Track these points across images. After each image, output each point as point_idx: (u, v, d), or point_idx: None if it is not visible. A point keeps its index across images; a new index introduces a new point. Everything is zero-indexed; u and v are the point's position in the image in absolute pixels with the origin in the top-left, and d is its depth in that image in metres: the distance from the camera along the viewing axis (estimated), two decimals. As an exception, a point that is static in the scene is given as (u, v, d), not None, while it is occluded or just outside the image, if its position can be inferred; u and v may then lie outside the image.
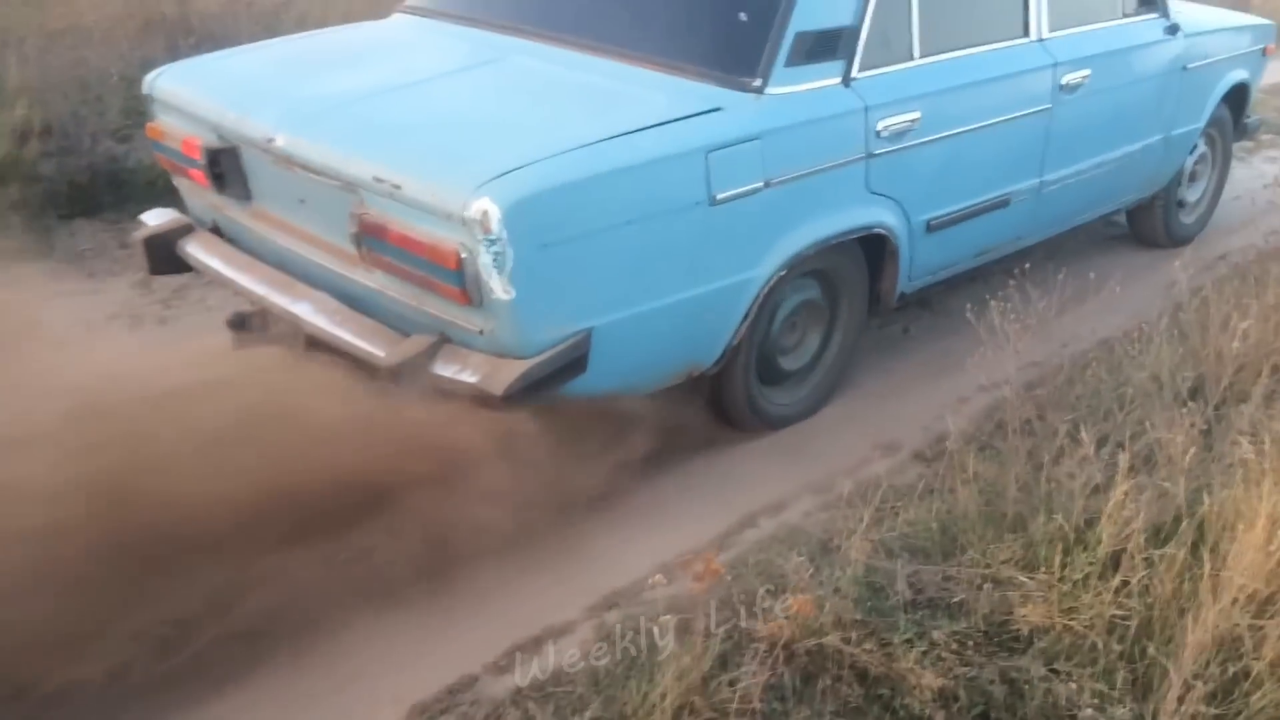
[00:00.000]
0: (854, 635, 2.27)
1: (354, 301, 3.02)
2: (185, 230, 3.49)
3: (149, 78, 3.47)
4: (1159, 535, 2.46)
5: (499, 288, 2.59)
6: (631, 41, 3.20)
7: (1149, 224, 5.04)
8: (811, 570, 2.45)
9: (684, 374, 3.13)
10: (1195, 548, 2.37)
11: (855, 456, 3.14)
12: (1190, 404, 2.83)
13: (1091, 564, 2.36)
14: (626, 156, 2.74)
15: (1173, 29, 4.45)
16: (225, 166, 3.20)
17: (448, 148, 2.79)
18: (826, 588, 2.36)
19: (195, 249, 3.41)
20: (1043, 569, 2.35)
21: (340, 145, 2.86)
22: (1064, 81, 3.88)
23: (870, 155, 3.27)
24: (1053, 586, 2.34)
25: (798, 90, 3.09)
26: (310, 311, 3.03)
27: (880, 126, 3.27)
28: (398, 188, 2.69)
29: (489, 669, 2.37)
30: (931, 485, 2.77)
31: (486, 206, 2.53)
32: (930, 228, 3.59)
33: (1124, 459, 2.42)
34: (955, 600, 2.42)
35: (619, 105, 2.94)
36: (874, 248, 3.49)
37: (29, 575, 2.26)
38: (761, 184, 2.99)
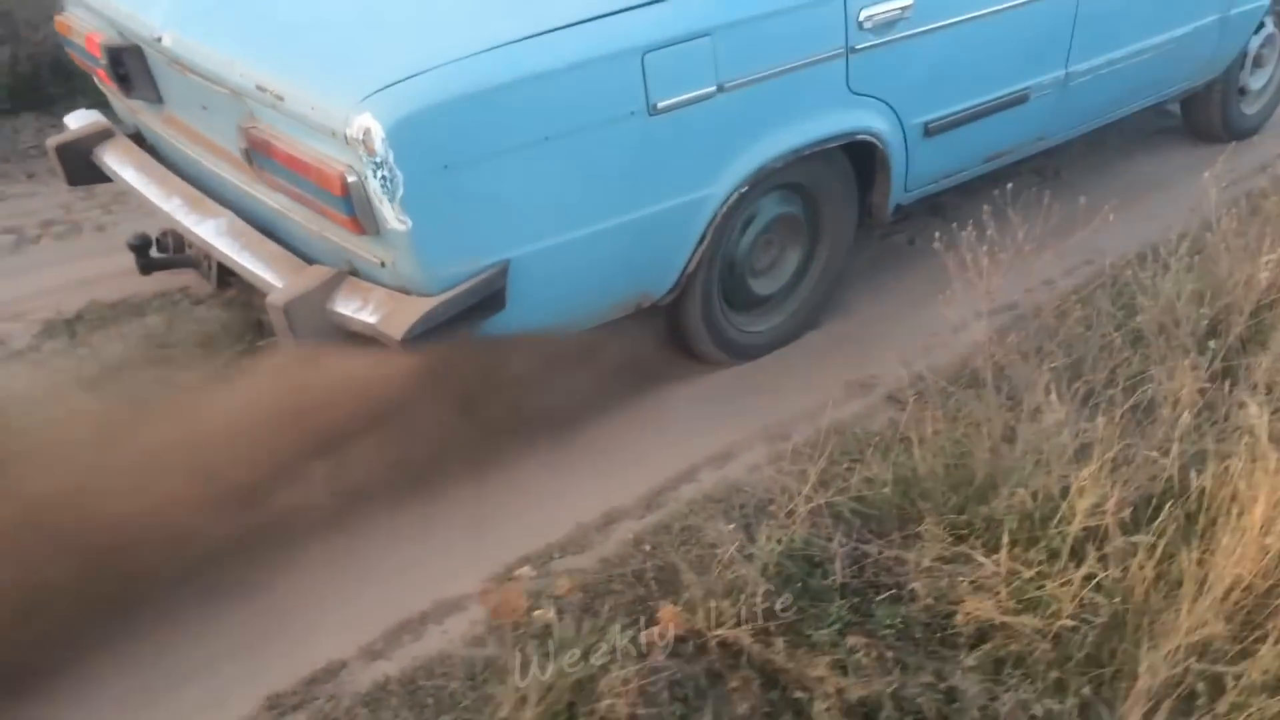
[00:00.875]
0: (772, 626, 1.97)
1: (263, 224, 2.71)
2: (104, 136, 3.19)
3: (52, -35, 3.14)
4: (1146, 512, 2.11)
5: (391, 216, 2.26)
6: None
7: (1204, 115, 4.49)
8: (739, 542, 2.14)
9: (632, 305, 2.80)
10: (1185, 531, 2.02)
11: (823, 396, 2.79)
12: (1199, 351, 2.42)
13: (1056, 548, 2.02)
14: (543, 60, 2.36)
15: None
16: (130, 66, 2.88)
17: (336, 52, 2.43)
18: (757, 562, 2.04)
19: (110, 157, 3.12)
20: (1004, 550, 2.01)
21: (225, 48, 2.52)
22: (1097, -47, 3.37)
23: (851, 50, 2.84)
24: (1011, 574, 2.00)
25: (761, -25, 2.66)
26: (214, 233, 2.74)
27: (863, 16, 2.82)
28: (280, 99, 2.35)
29: (361, 653, 2.12)
30: (903, 434, 2.42)
31: (368, 123, 2.18)
32: (929, 131, 3.16)
33: (1101, 423, 2.05)
34: (900, 584, 2.10)
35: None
36: (862, 155, 3.08)
37: None
38: (714, 88, 2.59)
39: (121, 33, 2.84)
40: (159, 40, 2.64)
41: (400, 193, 2.23)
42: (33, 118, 4.19)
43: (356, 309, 2.43)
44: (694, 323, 2.96)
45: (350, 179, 2.25)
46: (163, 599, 2.21)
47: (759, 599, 1.96)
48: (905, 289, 3.24)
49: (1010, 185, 2.74)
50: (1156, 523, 2.02)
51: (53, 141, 3.17)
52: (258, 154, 2.48)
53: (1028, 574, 2.02)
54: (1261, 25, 4.33)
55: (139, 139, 3.21)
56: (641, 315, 2.78)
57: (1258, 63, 4.49)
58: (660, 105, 2.51)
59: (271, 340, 2.74)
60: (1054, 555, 2.02)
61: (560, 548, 2.37)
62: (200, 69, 2.56)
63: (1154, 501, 2.12)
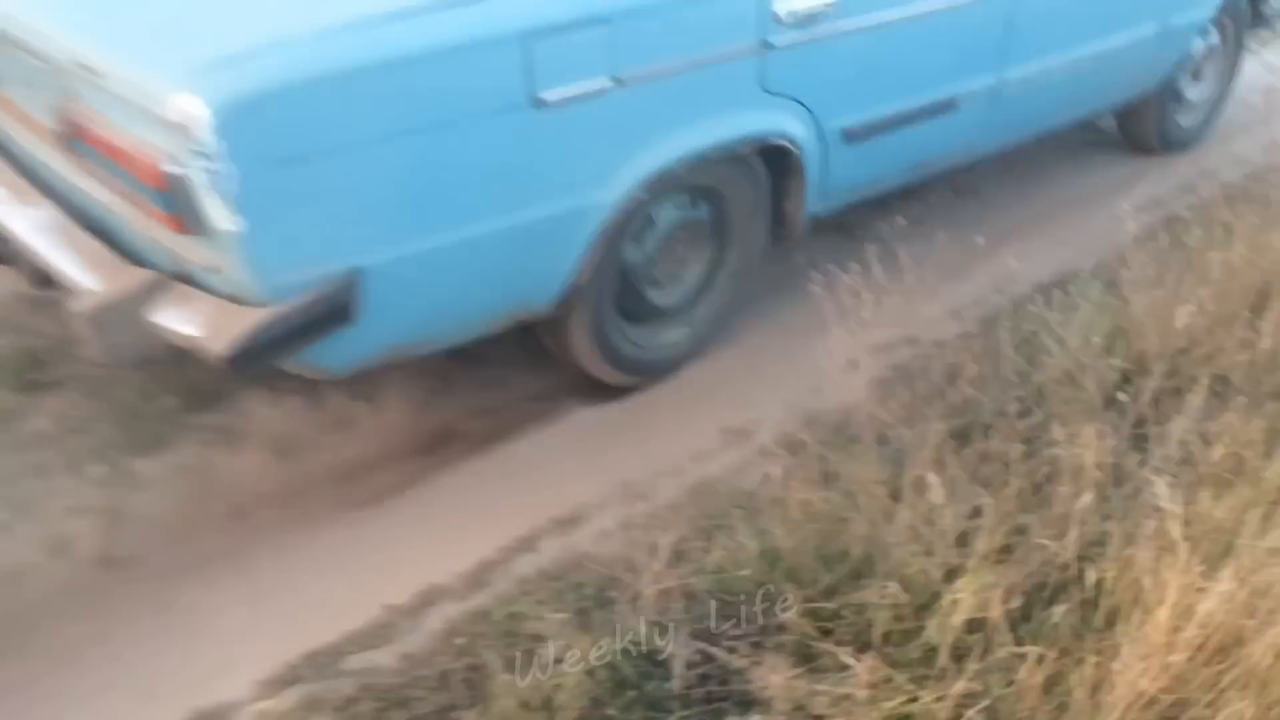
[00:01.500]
0: None
1: (92, 221, 2.36)
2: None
3: None
4: (1038, 604, 1.86)
5: (220, 216, 1.94)
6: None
7: (1139, 125, 4.29)
8: (572, 631, 1.83)
9: (511, 319, 2.50)
10: (1080, 631, 1.78)
11: (693, 445, 2.49)
12: (1106, 406, 2.17)
13: (935, 645, 1.76)
14: (410, 42, 2.05)
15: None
16: (-51, 35, 2.50)
17: (167, 24, 2.09)
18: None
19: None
20: (874, 652, 1.75)
21: (45, 16, 2.17)
22: (1034, -45, 3.13)
23: (766, 46, 2.56)
24: (881, 683, 1.73)
25: (666, -42, 2.37)
26: (29, 227, 2.38)
27: (781, 10, 2.54)
28: (98, 75, 2.01)
29: None
30: (777, 495, 2.10)
31: (192, 106, 1.85)
32: (849, 137, 2.89)
33: (989, 501, 1.78)
34: (751, 694, 1.80)
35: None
36: (775, 160, 2.81)
37: None
38: (608, 82, 2.29)
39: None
40: (-27, 3, 2.28)
41: (230, 189, 1.90)
42: None
43: (177, 320, 2.10)
44: (581, 337, 2.67)
45: (171, 170, 1.92)
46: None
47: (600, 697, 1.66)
48: (799, 318, 2.77)
49: (900, 220, 2.44)
50: (1049, 622, 1.77)
51: None
52: (74, 139, 2.13)
53: (899, 679, 1.75)
54: (1203, 36, 4.14)
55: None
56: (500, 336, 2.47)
57: (1196, 75, 4.31)
58: (545, 98, 2.21)
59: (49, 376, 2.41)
60: (931, 655, 1.77)
61: (359, 639, 2.01)
62: (18, 40, 2.21)
63: (1048, 592, 1.87)
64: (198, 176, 1.91)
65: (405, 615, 2.08)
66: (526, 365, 2.72)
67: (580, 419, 2.66)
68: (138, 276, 2.13)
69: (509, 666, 1.83)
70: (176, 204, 1.95)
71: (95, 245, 2.29)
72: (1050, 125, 3.70)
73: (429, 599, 2.11)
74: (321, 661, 1.96)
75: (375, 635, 2.03)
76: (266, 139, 1.92)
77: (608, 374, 2.79)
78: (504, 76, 2.15)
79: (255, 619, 2.08)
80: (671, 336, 2.91)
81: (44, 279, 2.48)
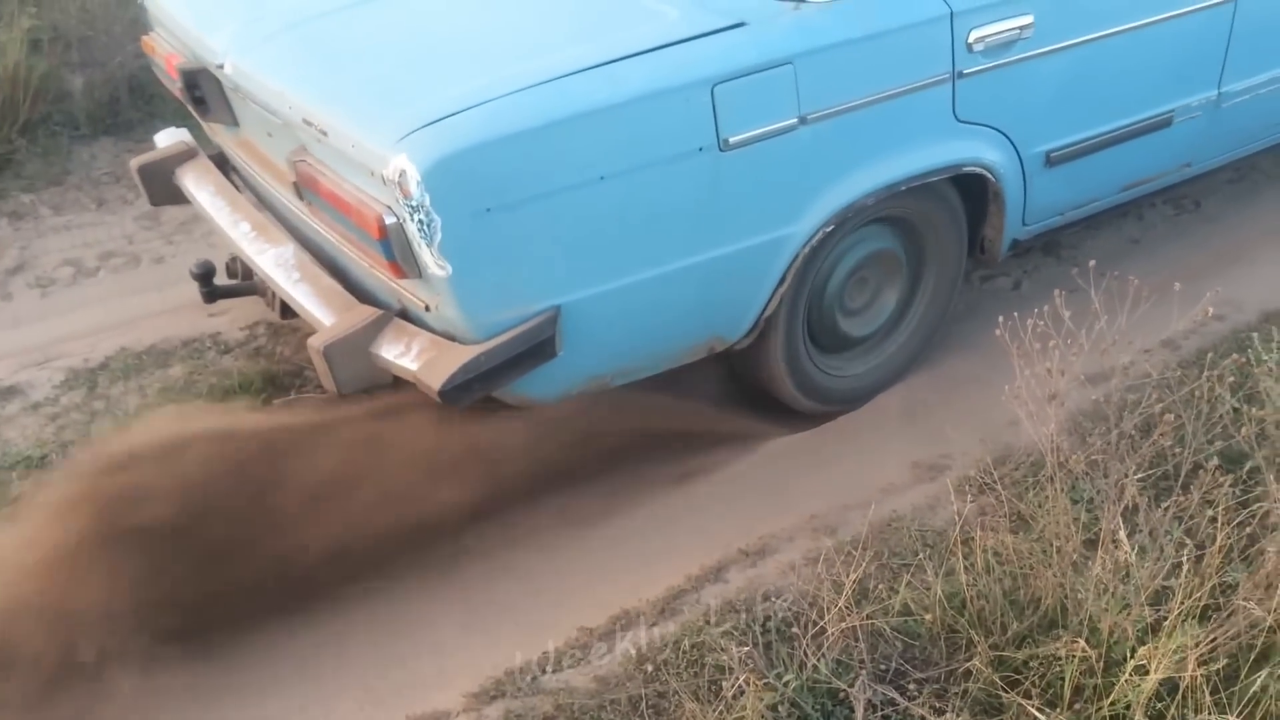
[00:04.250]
0: None
1: (325, 258, 2.61)
2: (186, 156, 3.15)
3: (140, -18, 3.11)
4: (1244, 667, 1.77)
5: (430, 261, 2.12)
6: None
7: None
8: (750, 672, 1.88)
9: (702, 350, 2.59)
10: None
11: (883, 478, 2.49)
12: None
13: (1128, 703, 1.71)
14: (601, 95, 2.17)
15: None
16: (205, 89, 2.81)
17: (382, 86, 2.29)
18: (770, 694, 1.80)
19: (188, 179, 3.07)
20: (1063, 707, 1.72)
21: (278, 77, 2.41)
22: (1259, -42, 2.97)
23: (959, 75, 2.56)
24: None
25: (852, -4, 2.40)
26: (273, 263, 2.65)
27: (973, 38, 2.53)
28: (324, 134, 2.23)
29: None
30: (967, 535, 2.06)
31: (404, 165, 2.03)
32: (1051, 160, 2.84)
33: (1187, 559, 1.71)
34: None
35: (614, 24, 2.36)
36: (972, 187, 2.79)
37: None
38: (795, 120, 2.35)
39: (195, 55, 2.78)
40: (220, 67, 2.56)
41: (438, 237, 2.08)
42: (110, 143, 4.14)
43: (399, 354, 2.30)
44: (775, 367, 2.72)
45: (389, 221, 2.11)
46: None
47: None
48: (1000, 345, 2.78)
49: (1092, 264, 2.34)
50: (1253, 688, 1.69)
51: (135, 161, 3.14)
52: (305, 188, 2.37)
53: None
54: None
55: (223, 161, 3.15)
56: (696, 371, 2.55)
57: None
58: (732, 140, 2.29)
59: (287, 399, 2.65)
60: (1123, 715, 1.72)
61: (556, 659, 2.14)
62: (256, 97, 2.47)
63: (1253, 656, 1.78)
64: (411, 227, 2.09)
65: (599, 638, 2.19)
66: (721, 395, 2.78)
67: (772, 448, 2.71)
68: (364, 314, 2.35)
69: (695, 696, 1.91)
70: (394, 251, 2.14)
71: (330, 282, 2.52)
72: (1275, 137, 3.49)
73: (622, 623, 2.22)
74: (523, 679, 2.10)
75: (571, 656, 2.15)
76: (470, 192, 2.08)
77: (800, 403, 2.83)
78: (691, 122, 2.24)
79: (466, 633, 2.24)
80: (865, 365, 2.93)
81: (286, 310, 2.77)
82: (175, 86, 2.93)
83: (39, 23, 4.10)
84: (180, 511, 2.10)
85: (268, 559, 2.17)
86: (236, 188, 3.00)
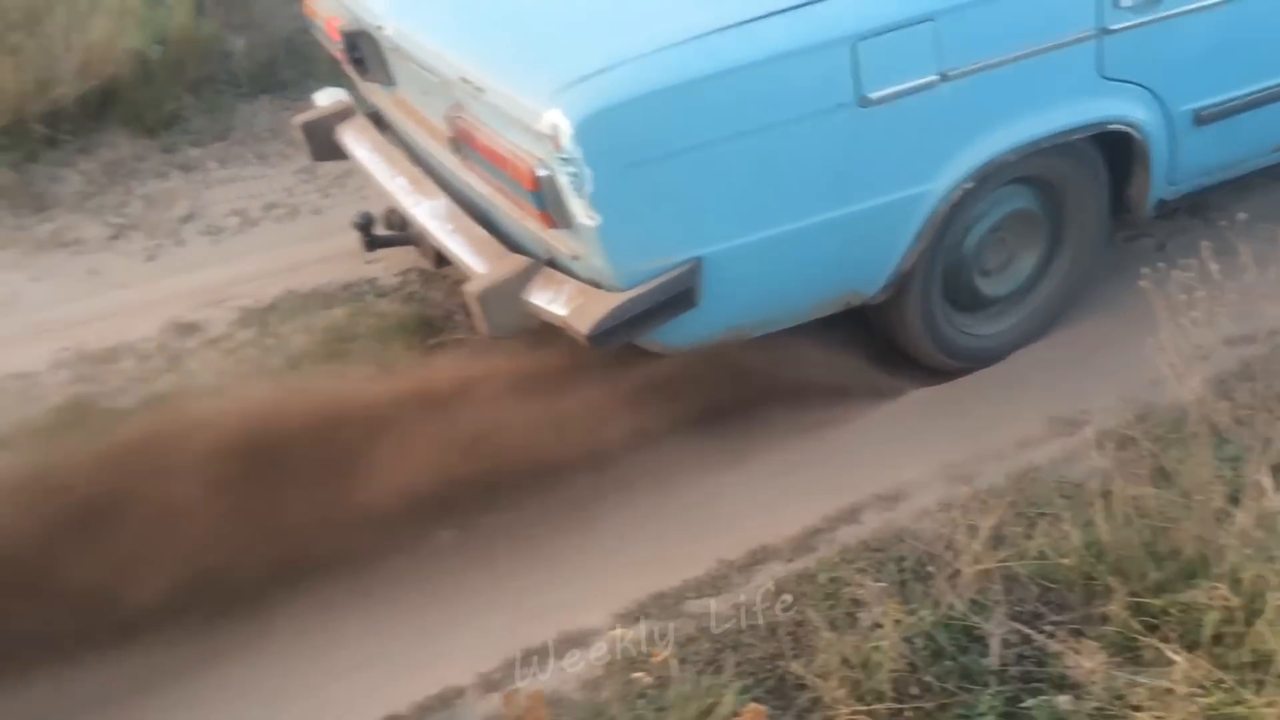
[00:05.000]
0: (908, 711, 1.80)
1: (476, 210, 2.74)
2: (345, 114, 3.32)
3: (302, -52, 3.28)
4: None
5: (580, 212, 2.22)
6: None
7: None
8: (888, 605, 1.95)
9: (839, 304, 2.64)
10: None
11: (1019, 432, 2.51)
12: None
13: (1268, 652, 1.72)
14: (743, 52, 2.24)
15: None
16: (364, 50, 2.97)
17: (535, 44, 2.40)
18: (906, 628, 1.87)
19: (348, 136, 3.24)
20: (1204, 649, 1.74)
21: (436, 38, 2.54)
22: None
23: (1104, 31, 2.54)
24: (1206, 683, 1.72)
25: (996, -49, 2.41)
26: (429, 215, 2.80)
27: (1122, -8, 2.52)
28: (480, 90, 2.35)
29: (479, 682, 2.09)
30: (1105, 488, 2.09)
31: (557, 120, 2.14)
32: (1200, 119, 2.79)
33: None
34: (1068, 678, 1.84)
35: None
36: (1117, 146, 2.76)
37: None
38: (935, 77, 2.38)
39: (356, 18, 2.93)
40: (380, 29, 2.71)
41: (588, 189, 2.18)
42: (268, 100, 4.37)
43: (548, 300, 2.42)
44: (911, 323, 2.76)
45: (541, 174, 2.22)
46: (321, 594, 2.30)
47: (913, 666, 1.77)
48: (1143, 305, 2.49)
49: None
50: None
51: (298, 119, 3.33)
52: (461, 143, 2.50)
53: (1227, 682, 1.73)
54: None
55: (379, 119, 3.32)
56: (832, 324, 2.62)
57: None
58: (872, 96, 2.33)
59: (441, 339, 2.80)
60: (1264, 661, 1.73)
61: (697, 587, 2.25)
62: (415, 57, 2.60)
63: None
64: (562, 179, 2.20)
65: (738, 570, 2.29)
66: (856, 348, 2.84)
67: (907, 401, 2.76)
68: (517, 263, 2.47)
69: (831, 625, 1.99)
70: (545, 202, 2.26)
71: (482, 233, 2.66)
72: None
73: (759, 557, 2.32)
74: (665, 603, 2.22)
75: (711, 585, 2.26)
76: (619, 146, 2.18)
77: (936, 360, 2.86)
78: (832, 78, 2.29)
79: (611, 561, 2.37)
80: (1002, 325, 2.93)
81: (439, 259, 2.92)
82: (336, 48, 3.10)
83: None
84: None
85: (432, 485, 2.33)
86: (391, 144, 3.16)
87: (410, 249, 3.18)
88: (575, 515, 2.49)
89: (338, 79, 3.59)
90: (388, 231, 3.14)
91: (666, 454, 2.61)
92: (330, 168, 3.92)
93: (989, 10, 2.39)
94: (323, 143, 3.31)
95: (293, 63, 4.47)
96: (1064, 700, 1.78)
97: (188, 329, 3.16)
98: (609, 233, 2.24)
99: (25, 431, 2.66)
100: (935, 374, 2.86)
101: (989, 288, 2.86)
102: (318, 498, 2.28)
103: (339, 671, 2.19)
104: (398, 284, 3.29)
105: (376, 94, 3.17)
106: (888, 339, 2.86)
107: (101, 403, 2.78)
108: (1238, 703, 1.72)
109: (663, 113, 2.20)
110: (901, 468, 2.50)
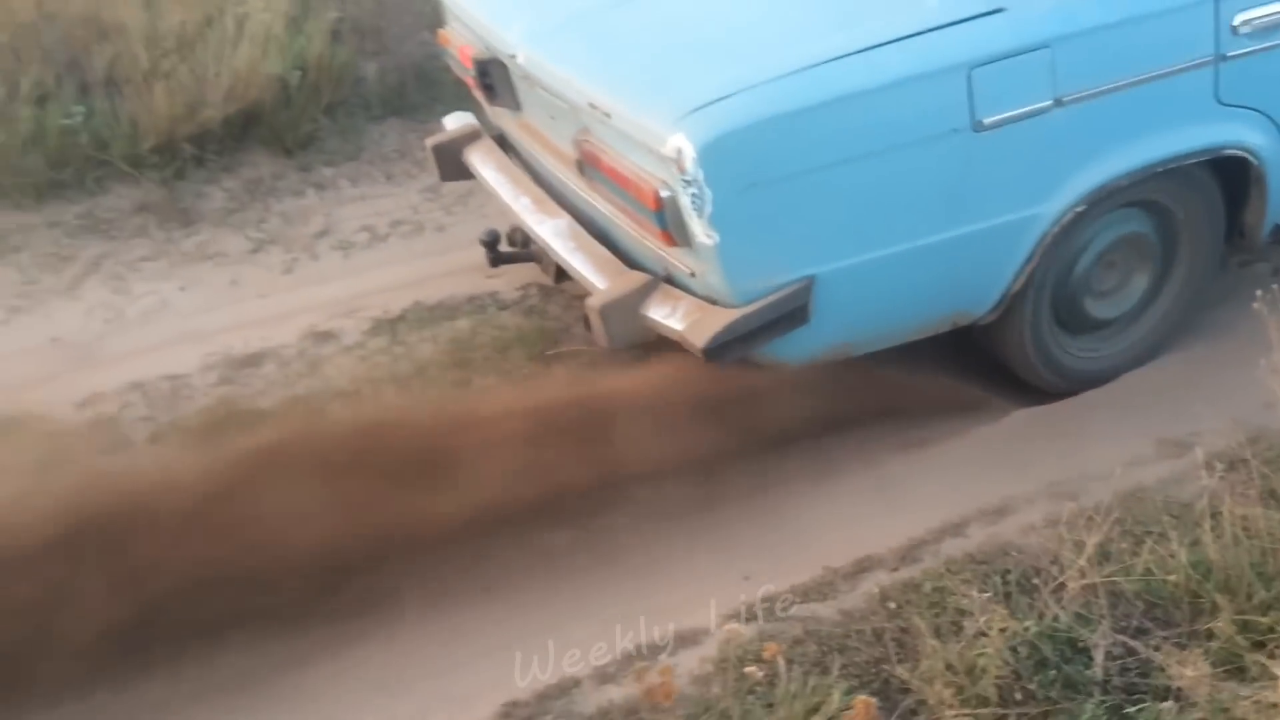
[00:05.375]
0: (1012, 715, 1.86)
1: (598, 229, 2.88)
2: (472, 137, 3.50)
3: (440, -20, 3.48)
4: None
5: (700, 231, 2.34)
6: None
7: None
8: (993, 614, 2.01)
9: (947, 323, 2.71)
10: None
11: (1126, 452, 2.54)
12: None
13: None
14: (860, 79, 2.34)
15: None
16: (495, 76, 3.14)
17: (659, 72, 2.53)
18: (1011, 636, 1.93)
19: (475, 157, 3.41)
20: None
21: (565, 65, 2.69)
22: None
23: (1221, 58, 2.57)
24: None
25: (1112, -21, 2.47)
26: (551, 233, 2.94)
27: (1238, 20, 2.54)
28: (608, 116, 2.48)
29: (595, 675, 2.21)
30: (1216, 508, 2.14)
31: (680, 144, 2.26)
32: (1319, 145, 2.79)
33: None
34: (1171, 689, 1.89)
35: (874, 11, 2.50)
36: (1232, 171, 2.78)
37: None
38: (1049, 102, 2.44)
39: (488, 47, 3.10)
40: (513, 57, 2.87)
41: (708, 209, 2.29)
42: (397, 123, 4.58)
43: (666, 315, 2.53)
44: (1019, 345, 2.81)
45: (664, 194, 2.35)
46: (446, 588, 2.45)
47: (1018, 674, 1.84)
48: (1256, 329, 2.54)
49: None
50: None
51: (430, 141, 3.52)
52: (588, 165, 2.63)
53: None
54: None
55: (503, 142, 3.49)
56: (942, 342, 2.69)
57: None
58: (987, 122, 2.40)
59: (559, 350, 2.94)
60: None
61: (804, 592, 2.33)
62: (545, 84, 2.75)
63: None
64: (684, 200, 2.32)
65: (843, 577, 2.37)
66: (961, 367, 2.90)
67: (1015, 420, 2.82)
68: (636, 279, 2.60)
69: (936, 633, 2.06)
70: (667, 221, 2.38)
71: (602, 251, 2.79)
72: None
73: (864, 566, 2.40)
74: (773, 606, 2.31)
75: (818, 591, 2.35)
76: (738, 169, 2.29)
77: (1044, 380, 2.90)
78: (947, 104, 2.37)
79: (720, 566, 2.47)
80: (1112, 348, 2.96)
81: (559, 275, 3.07)
82: (468, 74, 3.27)
83: (341, 14, 4.59)
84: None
85: (550, 488, 2.48)
86: (515, 165, 3.32)
87: (531, 265, 3.34)
88: (685, 522, 2.60)
89: (464, 103, 3.77)
90: (511, 248, 3.31)
91: (771, 467, 2.71)
92: (453, 187, 4.11)
93: (1106, 37, 2.45)
94: (451, 163, 3.49)
95: (421, 88, 4.69)
96: (1167, 707, 1.82)
97: (324, 337, 3.35)
98: (727, 251, 2.35)
99: (177, 428, 2.88)
100: (1042, 394, 2.91)
101: (1099, 310, 2.90)
102: (446, 497, 2.43)
103: (461, 660, 2.32)
104: (518, 298, 3.45)
105: (503, 118, 3.34)
106: (994, 358, 2.91)
107: (246, 404, 2.98)
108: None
109: (780, 137, 2.31)
110: (1007, 484, 2.56)
